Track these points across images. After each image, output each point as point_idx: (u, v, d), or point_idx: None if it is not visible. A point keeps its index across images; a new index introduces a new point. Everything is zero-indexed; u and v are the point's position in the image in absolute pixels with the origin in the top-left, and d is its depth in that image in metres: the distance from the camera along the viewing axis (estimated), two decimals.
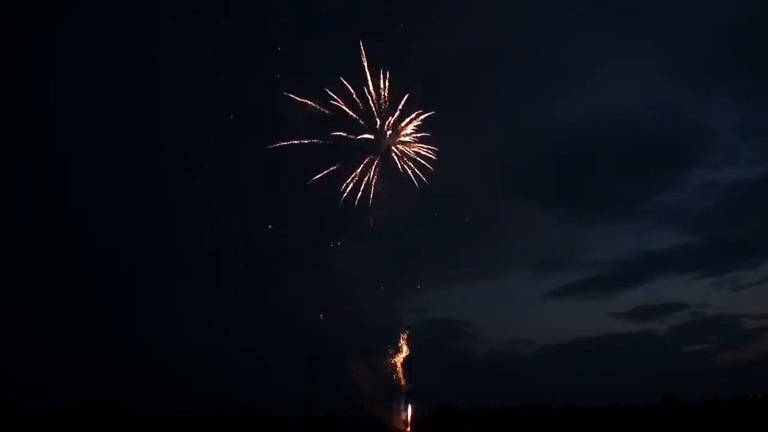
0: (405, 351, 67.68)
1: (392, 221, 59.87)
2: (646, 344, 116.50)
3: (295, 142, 56.13)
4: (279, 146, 56.18)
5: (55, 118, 79.12)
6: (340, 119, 55.89)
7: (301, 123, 55.79)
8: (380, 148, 58.24)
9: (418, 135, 58.62)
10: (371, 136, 57.60)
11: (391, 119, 57.39)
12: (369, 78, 55.79)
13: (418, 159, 58.79)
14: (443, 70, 65.39)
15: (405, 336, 67.95)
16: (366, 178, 58.45)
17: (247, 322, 78.83)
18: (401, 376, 67.11)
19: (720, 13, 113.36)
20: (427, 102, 58.50)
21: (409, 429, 70.61)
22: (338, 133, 56.25)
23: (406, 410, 67.86)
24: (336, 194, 57.89)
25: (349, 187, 58.05)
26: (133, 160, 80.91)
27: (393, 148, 58.84)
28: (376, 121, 57.15)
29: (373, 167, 58.44)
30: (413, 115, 57.79)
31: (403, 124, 58.18)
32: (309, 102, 55.75)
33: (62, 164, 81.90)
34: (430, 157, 58.96)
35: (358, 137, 56.96)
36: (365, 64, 55.57)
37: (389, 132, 57.92)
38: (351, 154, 57.42)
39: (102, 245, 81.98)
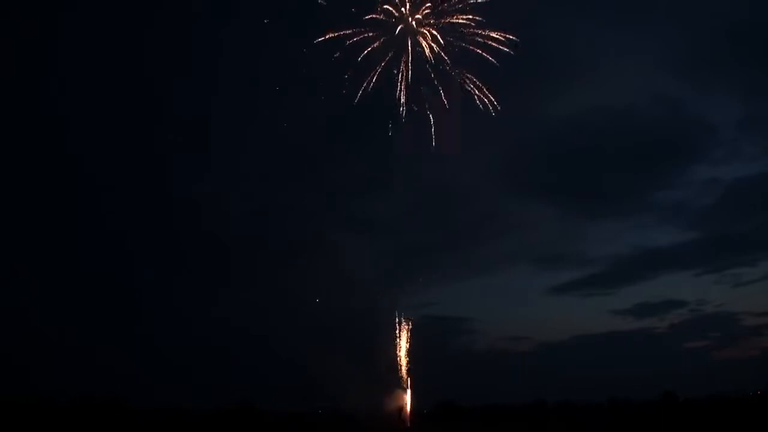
0: (405, 342, 67.79)
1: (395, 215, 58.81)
2: (645, 341, 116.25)
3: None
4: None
5: (57, 112, 79.05)
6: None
7: None
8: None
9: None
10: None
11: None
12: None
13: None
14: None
15: (407, 327, 68.06)
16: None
17: (247, 316, 79.04)
18: (401, 366, 67.08)
19: (720, 7, 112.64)
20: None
21: (408, 424, 70.71)
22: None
23: (405, 402, 67.93)
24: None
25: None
26: (134, 152, 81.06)
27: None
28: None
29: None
30: None
31: None
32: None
33: (63, 158, 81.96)
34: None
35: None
36: None
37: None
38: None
39: (101, 238, 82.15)
